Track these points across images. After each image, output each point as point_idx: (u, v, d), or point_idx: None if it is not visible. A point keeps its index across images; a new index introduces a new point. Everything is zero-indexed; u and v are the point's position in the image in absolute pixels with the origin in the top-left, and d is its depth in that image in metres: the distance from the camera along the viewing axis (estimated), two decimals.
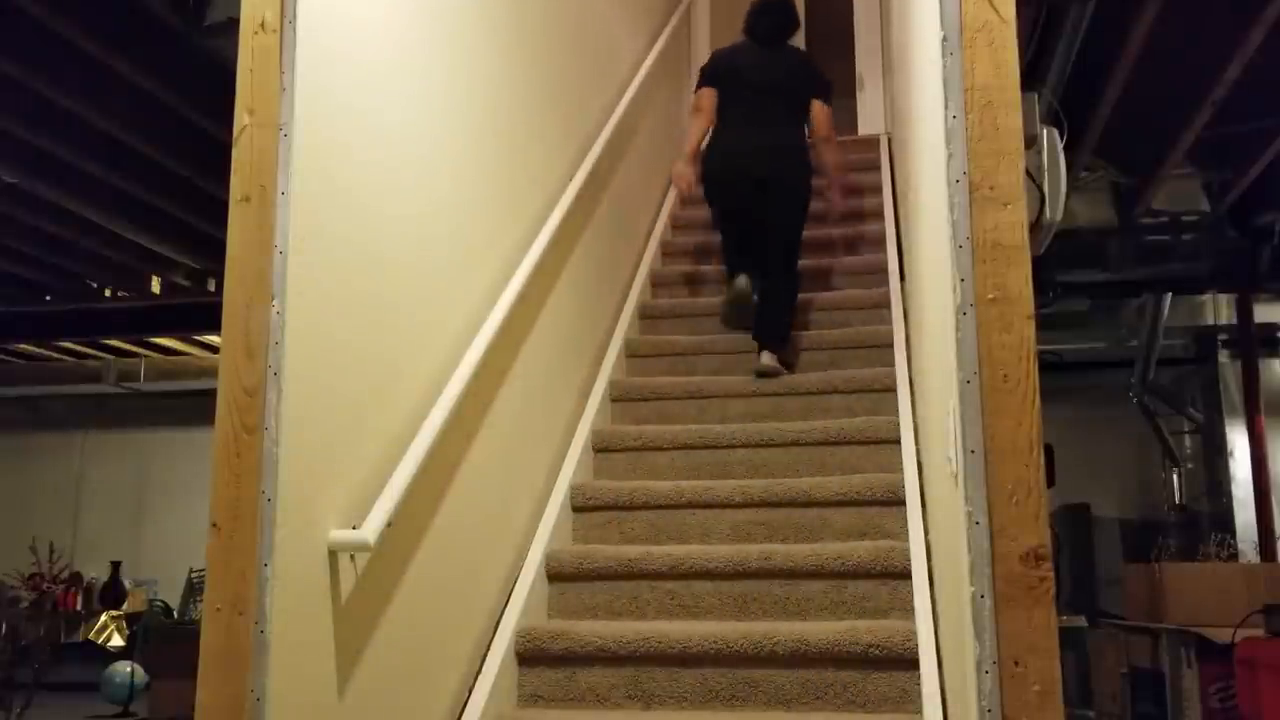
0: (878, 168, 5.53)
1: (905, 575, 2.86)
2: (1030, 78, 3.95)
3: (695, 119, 4.19)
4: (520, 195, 3.11)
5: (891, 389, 3.70)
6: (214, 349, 8.35)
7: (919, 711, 2.54)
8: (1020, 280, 1.70)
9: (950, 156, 1.76)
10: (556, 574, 3.04)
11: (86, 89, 4.37)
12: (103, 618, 8.51)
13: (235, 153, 1.94)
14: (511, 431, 2.95)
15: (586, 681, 2.73)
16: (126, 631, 8.41)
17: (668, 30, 5.61)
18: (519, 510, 3.01)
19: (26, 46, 4.07)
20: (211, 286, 6.95)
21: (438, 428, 2.32)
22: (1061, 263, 5.55)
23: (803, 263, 4.27)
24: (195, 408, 8.72)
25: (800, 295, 4.20)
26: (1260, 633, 4.07)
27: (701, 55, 6.74)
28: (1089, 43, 3.86)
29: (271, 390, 1.85)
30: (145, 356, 8.78)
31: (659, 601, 2.98)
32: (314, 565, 1.93)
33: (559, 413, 3.42)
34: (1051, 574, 1.61)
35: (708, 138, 4.18)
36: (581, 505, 3.32)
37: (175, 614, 8.33)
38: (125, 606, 8.67)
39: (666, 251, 5.06)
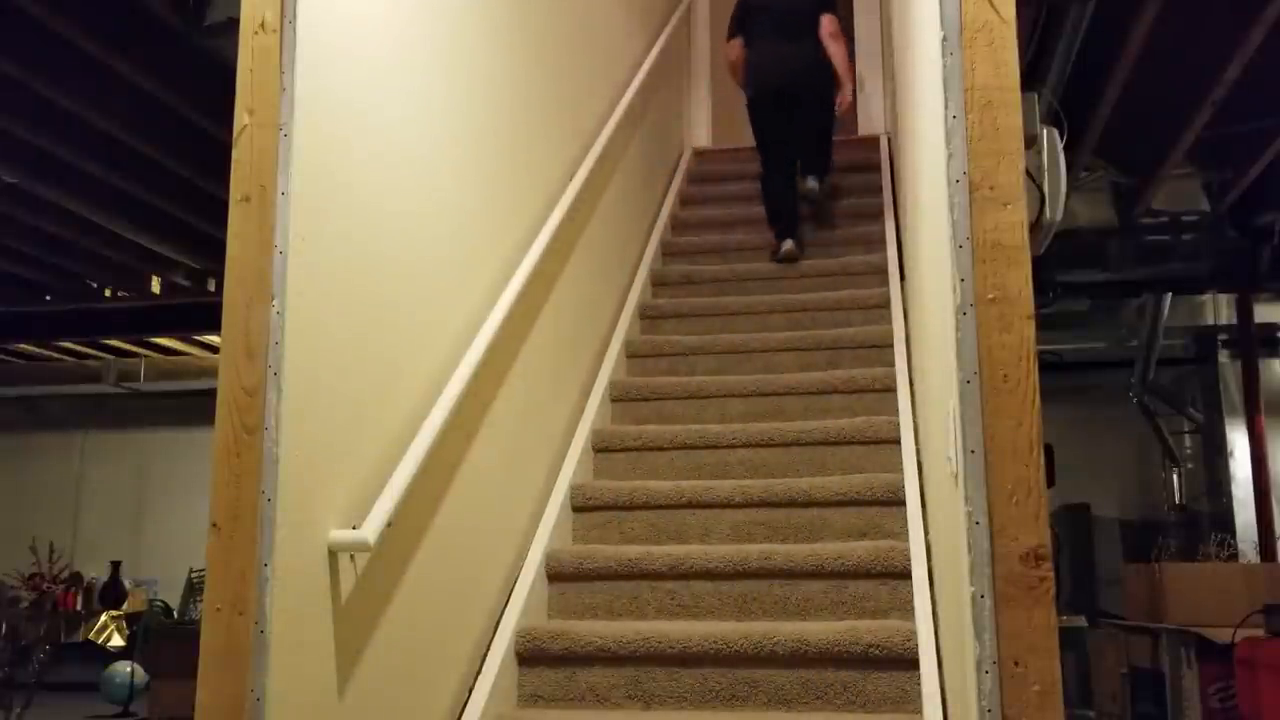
0: (878, 168, 5.53)
1: (905, 575, 2.86)
2: (1030, 78, 3.95)
3: (729, 66, 5.15)
4: (521, 195, 3.11)
5: (891, 389, 3.70)
6: (214, 349, 8.35)
7: (919, 711, 2.55)
8: (1020, 280, 1.70)
9: (950, 156, 1.76)
10: (556, 574, 3.04)
11: (86, 89, 4.37)
12: (103, 618, 8.52)
13: (235, 153, 1.94)
14: (512, 431, 2.95)
15: (586, 681, 2.73)
16: (126, 631, 8.41)
17: (668, 30, 5.61)
18: (519, 510, 3.01)
19: (26, 46, 4.07)
20: (211, 286, 6.95)
21: (438, 428, 2.32)
22: (1061, 263, 5.55)
23: (806, 262, 4.59)
24: (195, 408, 8.71)
25: (800, 295, 4.39)
26: (1260, 633, 4.07)
27: (702, 55, 6.75)
28: (1089, 43, 3.86)
29: (271, 390, 1.85)
30: (145, 356, 8.77)
31: (659, 601, 2.98)
32: (314, 565, 1.93)
33: (559, 413, 3.42)
34: (1051, 574, 1.61)
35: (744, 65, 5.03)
36: (581, 505, 3.32)
37: (175, 614, 8.32)
38: (125, 606, 8.67)
39: (667, 251, 5.06)
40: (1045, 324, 6.25)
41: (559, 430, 3.41)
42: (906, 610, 2.84)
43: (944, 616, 2.36)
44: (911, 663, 2.58)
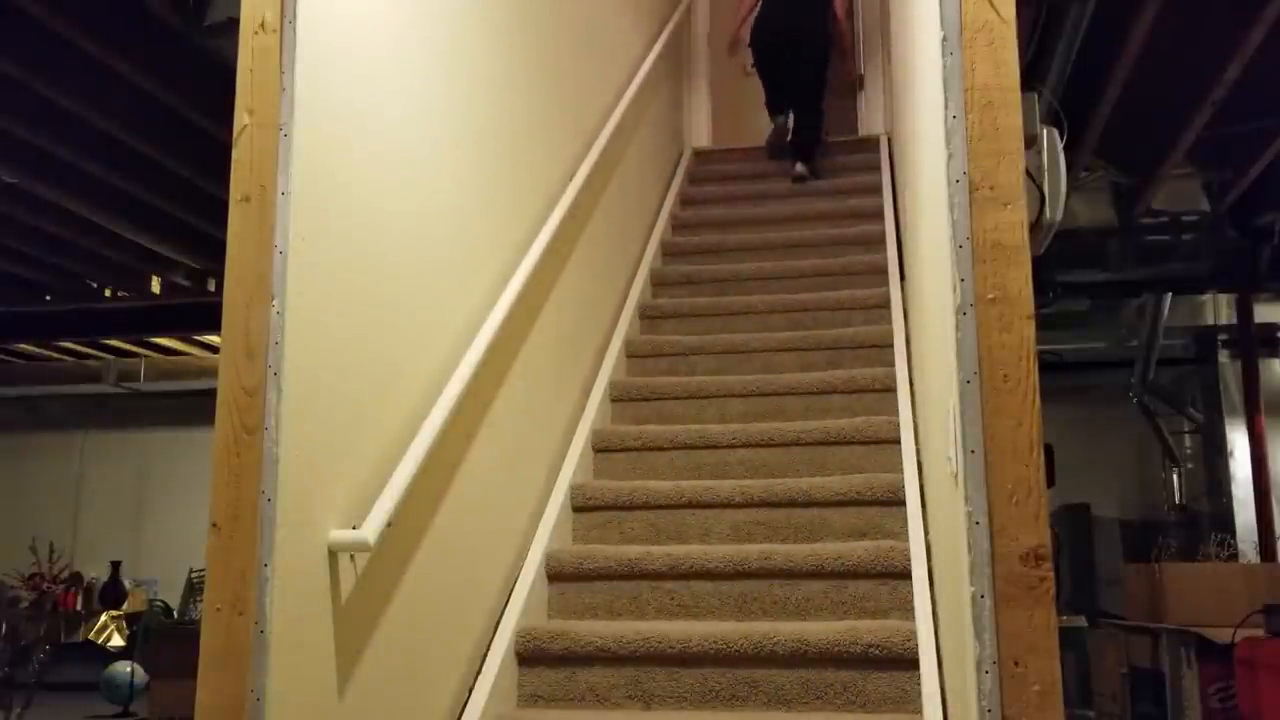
0: (878, 168, 5.54)
1: (905, 575, 2.86)
2: (1030, 78, 3.94)
3: (740, 5, 5.84)
4: (521, 195, 3.11)
5: (891, 389, 3.70)
6: (214, 349, 8.35)
7: (919, 711, 2.55)
8: (1020, 280, 1.70)
9: (950, 156, 1.76)
10: (556, 574, 3.04)
11: (86, 89, 4.37)
12: (103, 618, 8.52)
13: (235, 153, 1.94)
14: (512, 431, 2.95)
15: (586, 681, 2.73)
16: (126, 631, 8.41)
17: (668, 30, 5.61)
18: (519, 510, 3.01)
19: (26, 46, 4.07)
20: (211, 286, 6.94)
21: (438, 428, 2.32)
22: (1061, 263, 5.55)
23: (806, 262, 4.64)
24: (195, 408, 8.71)
25: (800, 295, 4.40)
26: (1260, 633, 4.08)
27: (702, 55, 6.75)
28: (1089, 43, 3.86)
29: (271, 390, 1.85)
30: (145, 356, 8.77)
31: (659, 601, 2.98)
32: (314, 565, 1.93)
33: (559, 413, 3.42)
34: (1051, 574, 1.61)
35: (752, 16, 5.70)
36: (581, 505, 3.32)
37: (175, 614, 8.32)
38: (125, 606, 8.67)
39: (667, 251, 5.06)
40: (1045, 324, 6.25)
41: (559, 430, 3.41)
42: (906, 610, 2.84)
43: (944, 616, 2.36)
44: (911, 663, 2.58)
